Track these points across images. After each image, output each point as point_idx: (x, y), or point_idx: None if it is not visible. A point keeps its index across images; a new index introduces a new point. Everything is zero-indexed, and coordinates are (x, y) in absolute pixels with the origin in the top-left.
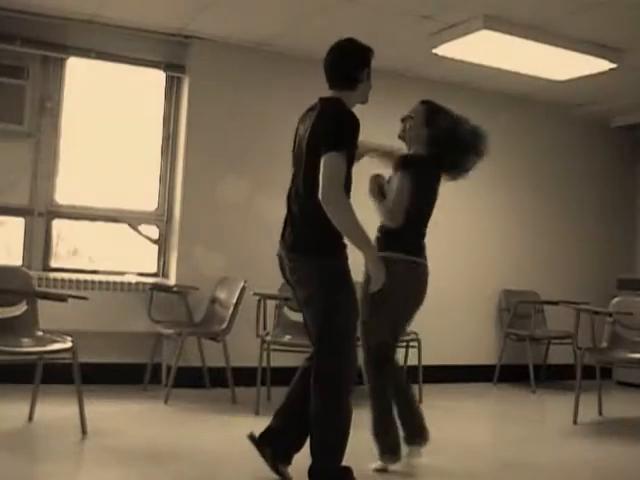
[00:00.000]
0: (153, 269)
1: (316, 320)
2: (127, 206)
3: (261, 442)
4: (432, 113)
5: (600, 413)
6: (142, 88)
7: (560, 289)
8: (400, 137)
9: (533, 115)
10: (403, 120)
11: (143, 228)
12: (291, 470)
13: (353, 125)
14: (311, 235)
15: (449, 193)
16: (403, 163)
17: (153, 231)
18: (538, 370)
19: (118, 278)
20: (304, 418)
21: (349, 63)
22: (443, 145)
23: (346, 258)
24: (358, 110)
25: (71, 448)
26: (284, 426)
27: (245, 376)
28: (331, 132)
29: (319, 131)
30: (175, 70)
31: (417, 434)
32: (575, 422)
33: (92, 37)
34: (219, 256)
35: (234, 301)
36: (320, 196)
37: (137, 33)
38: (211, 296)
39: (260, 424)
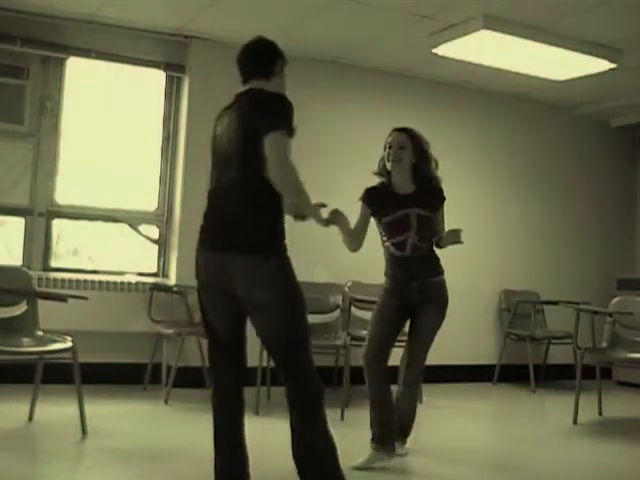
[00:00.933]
0: (153, 269)
1: (283, 326)
2: (127, 206)
3: None
4: (418, 142)
5: (600, 413)
6: (142, 88)
7: (560, 289)
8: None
9: (533, 115)
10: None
11: (143, 228)
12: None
13: (290, 105)
14: (262, 234)
15: (449, 194)
16: None
17: (153, 231)
18: (538, 370)
19: (118, 278)
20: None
21: (262, 55)
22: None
23: None
24: (357, 110)
25: (71, 448)
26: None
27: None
28: (271, 113)
29: (256, 117)
30: (175, 70)
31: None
32: (575, 422)
33: (92, 37)
34: None
35: None
36: (274, 177)
37: (137, 33)
38: None
39: (260, 424)
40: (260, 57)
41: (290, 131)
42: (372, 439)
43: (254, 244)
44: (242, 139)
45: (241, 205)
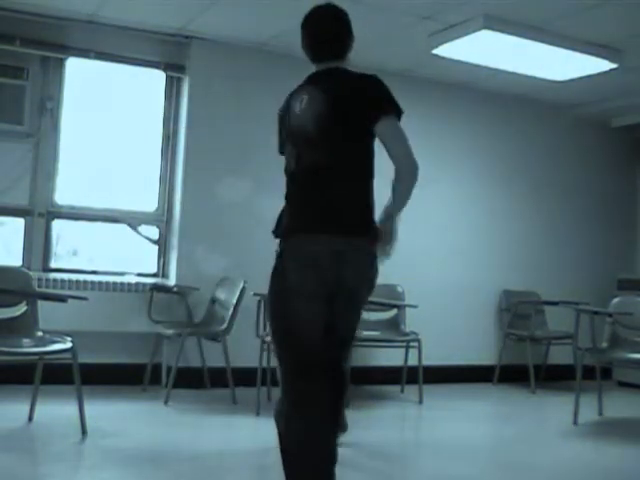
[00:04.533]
0: (153, 269)
1: (356, 321)
2: (127, 206)
3: None
4: None
5: (600, 413)
6: (142, 88)
7: (560, 289)
8: None
9: (533, 115)
10: None
11: (143, 228)
12: None
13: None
14: (363, 217)
15: (449, 194)
16: None
17: (153, 231)
18: (538, 370)
19: (118, 278)
20: None
21: (349, 31)
22: None
23: None
24: None
25: (71, 448)
26: None
27: (245, 376)
28: (389, 97)
29: (368, 97)
30: (175, 70)
31: None
32: (575, 422)
33: (92, 37)
34: (219, 256)
35: (234, 301)
36: (403, 165)
37: (137, 33)
38: (211, 296)
39: (260, 424)
40: (348, 32)
41: (399, 114)
42: None
43: (358, 227)
44: (335, 121)
45: (349, 191)
